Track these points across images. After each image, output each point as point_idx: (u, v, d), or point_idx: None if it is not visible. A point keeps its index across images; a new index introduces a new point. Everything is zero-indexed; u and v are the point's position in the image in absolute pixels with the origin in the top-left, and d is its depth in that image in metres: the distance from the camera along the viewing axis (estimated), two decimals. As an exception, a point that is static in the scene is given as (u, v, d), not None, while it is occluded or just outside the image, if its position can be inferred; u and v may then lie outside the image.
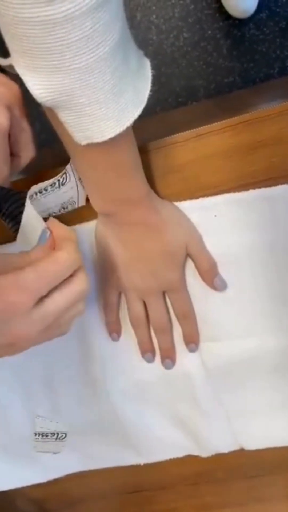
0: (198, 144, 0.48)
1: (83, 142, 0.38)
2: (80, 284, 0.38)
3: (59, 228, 0.41)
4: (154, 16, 1.34)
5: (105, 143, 0.37)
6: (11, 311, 0.33)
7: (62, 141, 0.42)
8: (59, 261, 0.36)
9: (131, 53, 0.36)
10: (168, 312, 0.53)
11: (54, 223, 0.40)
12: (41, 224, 0.41)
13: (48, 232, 0.39)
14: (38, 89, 0.33)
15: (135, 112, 0.37)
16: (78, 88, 0.33)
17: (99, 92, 0.34)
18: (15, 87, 0.41)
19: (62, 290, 0.36)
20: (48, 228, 0.40)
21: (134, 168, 0.44)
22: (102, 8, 0.30)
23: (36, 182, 0.46)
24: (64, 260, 0.36)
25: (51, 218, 0.40)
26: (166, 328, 0.53)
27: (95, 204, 0.47)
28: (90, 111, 0.35)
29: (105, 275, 0.52)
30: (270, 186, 0.48)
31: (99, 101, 0.34)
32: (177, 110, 1.20)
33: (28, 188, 0.45)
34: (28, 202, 0.42)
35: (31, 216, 0.42)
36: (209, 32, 1.33)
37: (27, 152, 0.44)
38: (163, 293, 0.52)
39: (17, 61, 0.33)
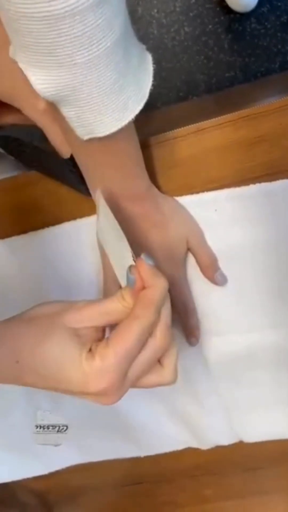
0: (198, 139, 0.48)
1: (85, 137, 0.38)
2: (160, 340, 0.36)
3: (144, 273, 0.37)
4: (155, 10, 1.33)
5: (107, 137, 0.37)
6: (104, 394, 0.35)
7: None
8: (135, 336, 0.34)
9: (133, 48, 0.36)
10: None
11: (142, 265, 0.36)
12: (127, 254, 0.38)
13: (134, 276, 0.36)
14: (40, 83, 0.33)
15: (137, 106, 0.37)
16: (80, 83, 0.33)
17: (101, 87, 0.34)
18: None
19: (142, 357, 0.36)
20: (133, 269, 0.37)
21: (135, 163, 0.44)
22: (104, 3, 0.30)
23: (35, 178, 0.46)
24: (140, 334, 0.34)
25: (141, 256, 0.37)
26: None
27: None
28: (92, 106, 0.35)
29: (106, 270, 0.53)
30: (270, 181, 0.48)
31: (101, 96, 0.34)
32: (178, 105, 1.20)
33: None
34: (102, 210, 0.42)
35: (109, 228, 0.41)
36: (210, 26, 1.32)
37: None
38: (164, 287, 0.52)
39: (20, 56, 0.33)
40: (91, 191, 0.47)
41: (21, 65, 0.34)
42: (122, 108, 0.36)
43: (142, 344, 0.35)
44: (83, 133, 0.38)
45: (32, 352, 0.35)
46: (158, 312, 0.36)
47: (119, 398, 0.36)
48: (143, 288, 0.36)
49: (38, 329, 0.35)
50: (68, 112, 0.36)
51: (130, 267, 0.37)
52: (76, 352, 0.34)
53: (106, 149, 0.41)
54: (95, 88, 0.34)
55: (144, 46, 0.38)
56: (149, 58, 0.38)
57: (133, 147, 0.43)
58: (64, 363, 0.34)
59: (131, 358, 0.35)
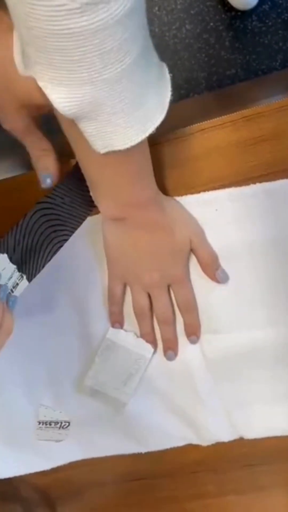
0: (199, 139, 0.49)
1: (103, 151, 0.37)
2: None
3: None
4: (156, 8, 1.33)
5: (124, 149, 0.37)
6: None
7: (73, 148, 0.42)
8: None
9: (153, 59, 0.35)
10: (172, 305, 0.54)
11: None
12: None
13: None
14: (62, 102, 0.32)
15: (159, 118, 0.37)
16: (104, 98, 0.32)
17: (124, 101, 0.33)
18: None
19: None
20: None
21: (146, 172, 0.44)
22: (131, 16, 0.29)
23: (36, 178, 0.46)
24: None
25: None
26: (170, 320, 0.54)
27: (106, 210, 0.47)
28: (114, 120, 0.34)
29: (110, 268, 0.53)
30: (271, 180, 0.48)
31: (124, 110, 0.34)
32: (179, 104, 1.20)
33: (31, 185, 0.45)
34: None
35: None
36: (212, 24, 1.32)
37: None
38: (168, 286, 0.53)
39: (41, 74, 0.32)
40: (95, 201, 0.47)
41: (40, 83, 0.33)
42: (143, 121, 0.36)
43: None
44: (101, 147, 0.37)
45: None
46: None
47: None
48: None
49: None
50: (87, 127, 0.35)
51: None
52: None
53: (122, 160, 0.41)
54: (119, 103, 0.33)
55: (158, 56, 0.37)
56: (165, 67, 0.38)
57: (145, 156, 0.43)
58: None
59: None
